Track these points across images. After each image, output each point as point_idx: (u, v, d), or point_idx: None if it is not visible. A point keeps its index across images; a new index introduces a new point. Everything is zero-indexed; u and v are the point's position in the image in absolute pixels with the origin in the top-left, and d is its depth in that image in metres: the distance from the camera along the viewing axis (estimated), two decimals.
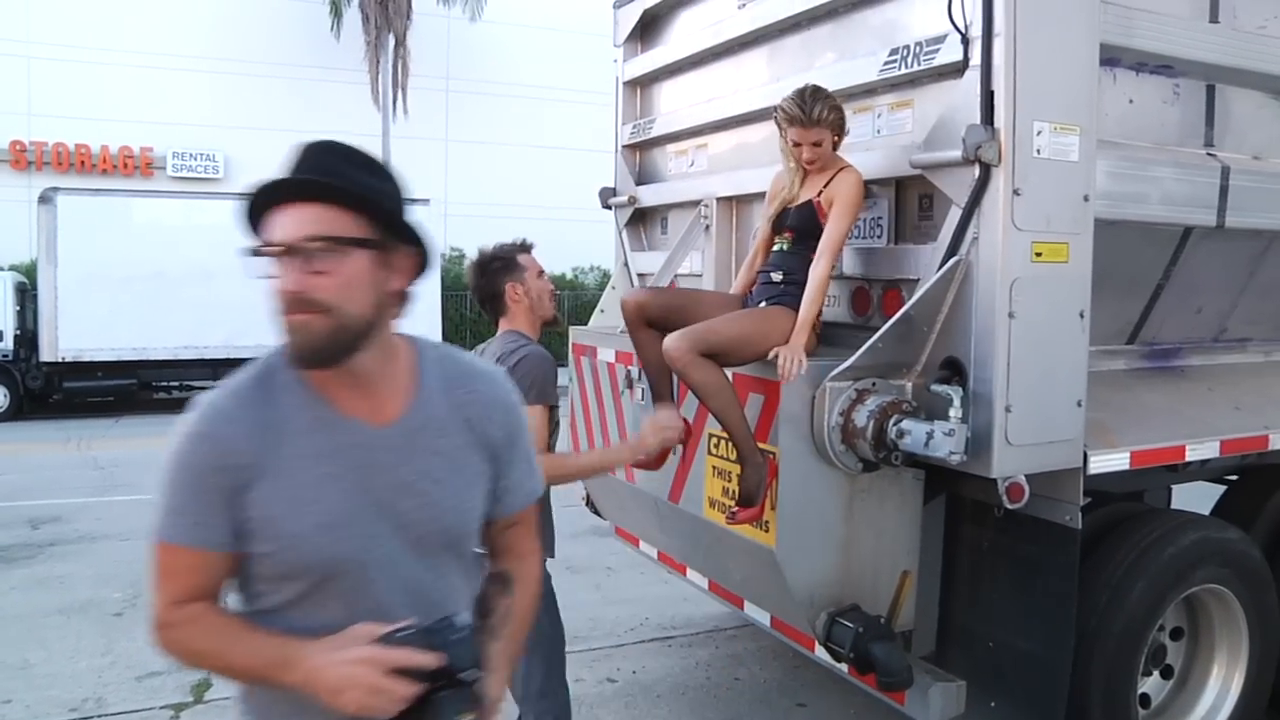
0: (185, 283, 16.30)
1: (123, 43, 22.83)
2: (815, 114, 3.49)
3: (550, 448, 3.46)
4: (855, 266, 3.83)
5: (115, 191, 19.13)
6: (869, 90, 3.79)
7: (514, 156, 25.58)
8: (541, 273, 3.74)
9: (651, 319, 3.67)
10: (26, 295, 17.03)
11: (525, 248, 3.73)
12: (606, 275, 23.94)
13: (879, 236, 3.80)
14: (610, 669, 5.20)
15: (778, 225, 3.68)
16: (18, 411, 16.44)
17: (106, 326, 16.22)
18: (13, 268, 18.86)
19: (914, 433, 3.15)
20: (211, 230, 16.71)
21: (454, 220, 23.29)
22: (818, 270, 3.47)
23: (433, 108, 25.04)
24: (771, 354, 3.31)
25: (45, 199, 16.47)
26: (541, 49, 25.43)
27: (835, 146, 3.60)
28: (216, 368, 16.07)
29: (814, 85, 3.57)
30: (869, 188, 3.73)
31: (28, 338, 16.64)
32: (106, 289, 16.23)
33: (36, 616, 6.11)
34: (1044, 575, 3.46)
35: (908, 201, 3.72)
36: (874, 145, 3.79)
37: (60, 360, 16.32)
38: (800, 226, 3.59)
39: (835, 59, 3.99)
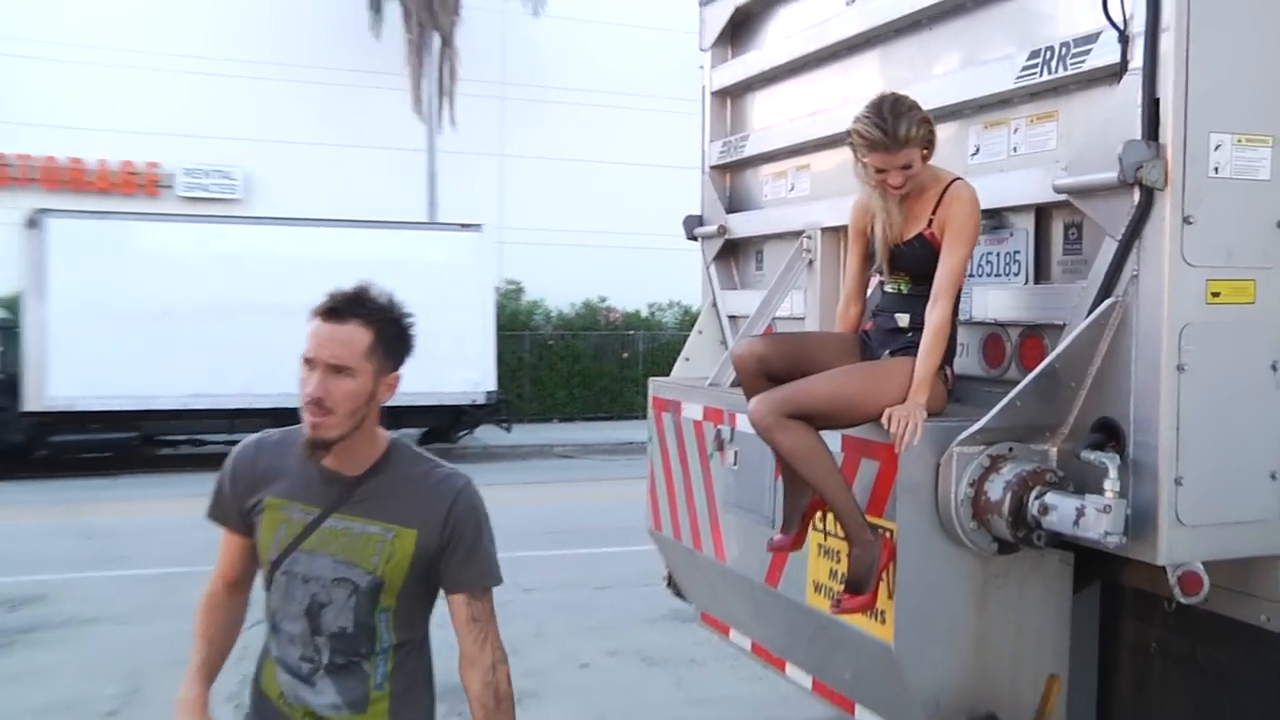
0: (197, 320, 16.66)
1: (123, 42, 23.48)
2: (901, 133, 3.43)
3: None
4: (987, 309, 3.84)
5: (115, 214, 19.47)
6: (1003, 101, 3.82)
7: (579, 174, 25.90)
8: None
9: (773, 372, 3.63)
10: (9, 334, 17.35)
11: None
12: (688, 312, 24.10)
13: (1016, 274, 3.81)
14: None
15: (891, 265, 3.67)
16: None
17: (104, 371, 16.52)
18: None
19: (1060, 508, 3.13)
20: (229, 260, 17.20)
21: (509, 248, 23.62)
22: (935, 315, 3.46)
23: (485, 118, 25.51)
24: (885, 416, 3.33)
25: (33, 222, 16.85)
26: (612, 48, 25.79)
27: (925, 160, 3.58)
28: (233, 419, 16.36)
29: (892, 95, 3.55)
30: (1004, 216, 3.75)
31: (8, 383, 16.82)
32: (104, 327, 16.54)
33: (11, 719, 6.28)
34: (1234, 688, 3.41)
35: (1051, 232, 3.73)
36: (1010, 166, 3.81)
37: (47, 410, 16.57)
38: (916, 267, 3.59)
39: (961, 64, 4.03)
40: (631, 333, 25.22)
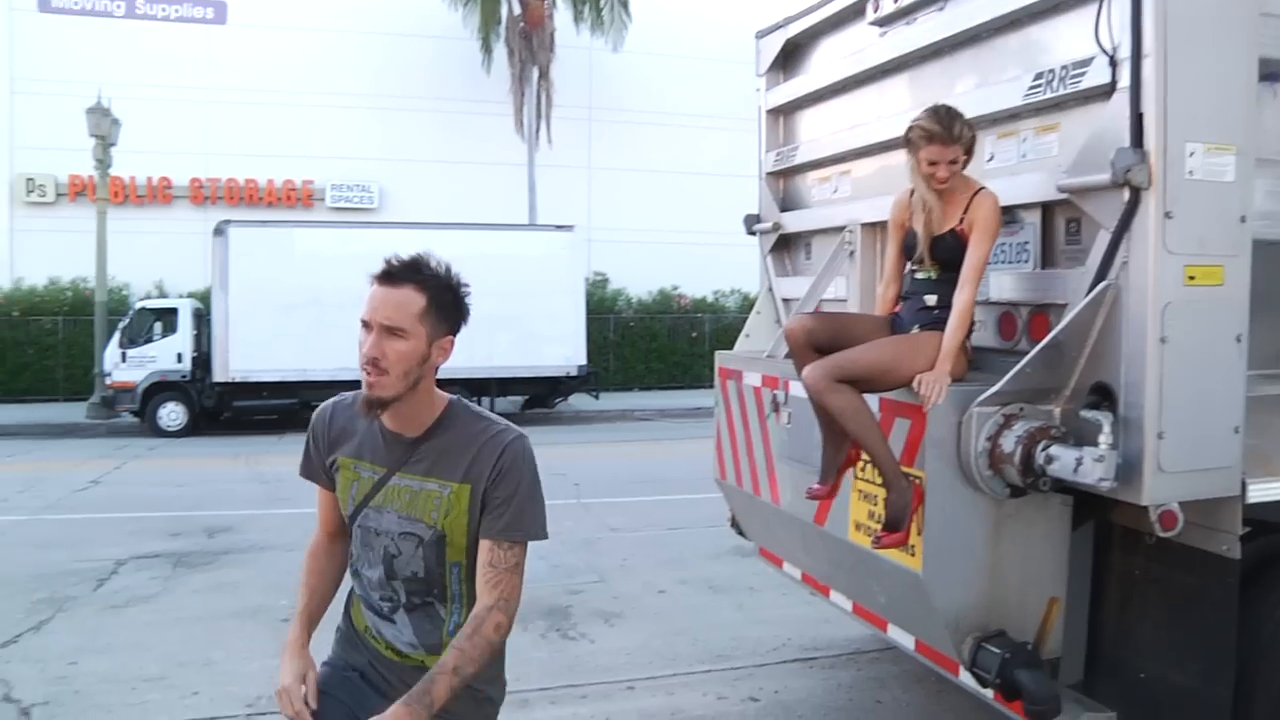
0: (342, 308, 16.82)
1: (288, 85, 24.03)
2: (955, 131, 3.46)
3: None
4: (1002, 291, 3.80)
5: (280, 223, 20.07)
6: (1013, 115, 3.77)
7: (655, 182, 25.87)
8: None
9: (819, 344, 3.65)
10: (202, 320, 18.02)
11: None
12: (747, 298, 24.01)
13: (1026, 261, 3.77)
14: (753, 688, 5.22)
15: (930, 256, 3.63)
16: (194, 428, 17.40)
17: (271, 349, 17.01)
18: (191, 295, 20.09)
19: (1063, 458, 3.11)
20: (366, 258, 16.78)
21: (597, 245, 23.69)
22: (962, 297, 3.46)
23: (576, 136, 25.55)
24: (916, 382, 3.32)
25: (219, 231, 17.48)
26: (680, 77, 25.69)
27: (965, 164, 3.57)
28: None
29: (945, 104, 3.55)
30: (1015, 212, 3.71)
31: (203, 359, 17.60)
32: (271, 314, 17.04)
33: (215, 619, 6.51)
34: (1201, 606, 3.36)
35: (1055, 226, 3.68)
36: (1019, 170, 3.77)
37: (231, 380, 17.21)
38: (946, 257, 3.56)
39: (977, 84, 3.98)
40: (699, 315, 25.13)
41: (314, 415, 2.55)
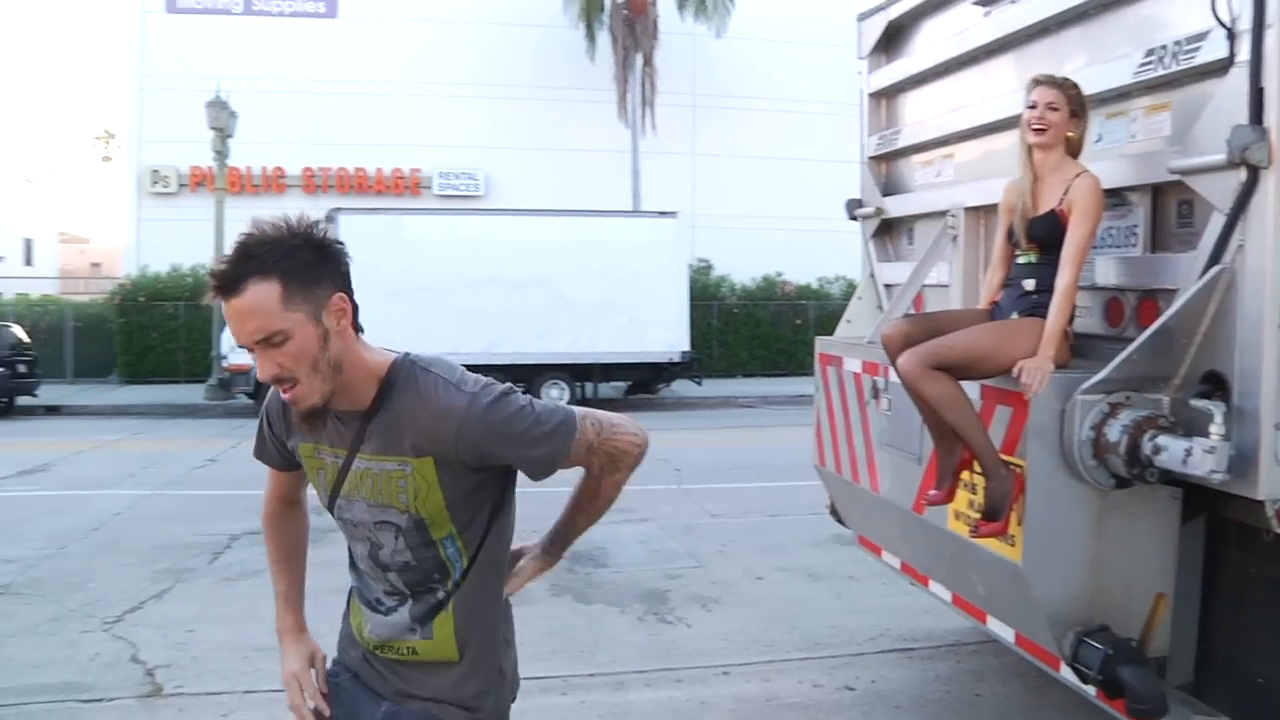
0: (449, 294, 17.22)
1: (396, 75, 24.62)
2: (1063, 79, 3.47)
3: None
4: (1109, 276, 3.69)
5: (389, 210, 20.48)
6: (1123, 94, 3.65)
7: (758, 169, 25.74)
8: None
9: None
10: None
11: None
12: (850, 285, 23.71)
13: (1134, 245, 3.65)
14: (849, 677, 5.18)
15: (1026, 236, 3.56)
16: None
17: (381, 332, 16.98)
18: None
19: (1171, 449, 3.00)
20: (473, 244, 17.73)
21: (701, 232, 23.65)
22: (1063, 280, 3.37)
23: (679, 123, 25.55)
24: (1016, 368, 3.25)
25: (330, 219, 17.79)
26: (784, 62, 25.49)
27: (1070, 145, 3.50)
28: (477, 373, 17.00)
29: None
30: (1123, 194, 3.59)
31: None
32: (381, 299, 17.29)
33: (321, 593, 6.62)
34: None
35: (1165, 208, 3.55)
36: (1129, 151, 3.64)
37: None
38: (1046, 237, 3.48)
39: (1086, 63, 3.85)
40: (803, 302, 24.92)
41: (267, 397, 2.19)
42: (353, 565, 2.25)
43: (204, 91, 19.82)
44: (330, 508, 2.15)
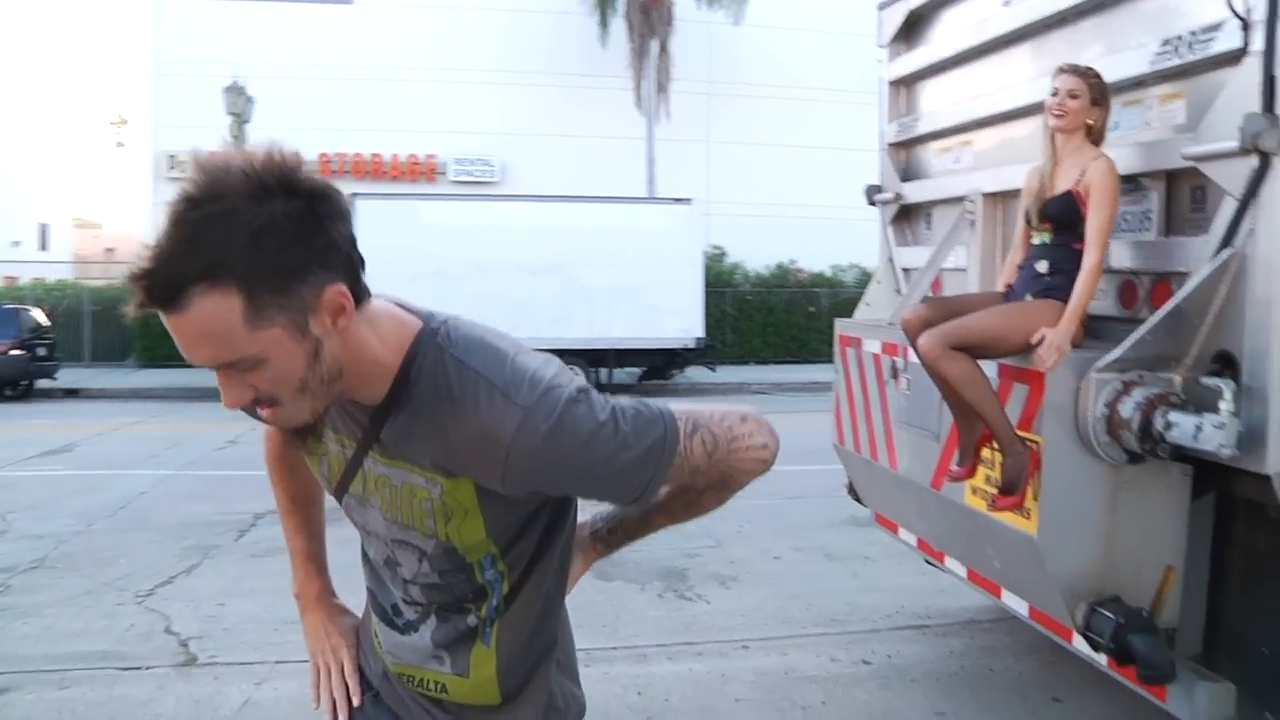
0: (465, 278, 17.29)
1: (412, 62, 24.75)
2: (1085, 69, 3.60)
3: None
4: (1123, 259, 3.81)
5: (405, 196, 20.69)
6: (1139, 83, 3.76)
7: (774, 156, 25.82)
8: None
9: None
10: None
11: None
12: (865, 272, 23.81)
13: (1148, 229, 3.76)
14: (866, 652, 5.32)
15: (1041, 216, 3.70)
16: None
17: None
18: None
19: (1182, 425, 3.12)
20: (488, 230, 17.87)
21: (715, 219, 23.72)
22: (1090, 260, 3.50)
23: (694, 110, 25.62)
24: (1036, 337, 3.38)
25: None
26: (800, 50, 25.53)
27: (1090, 132, 3.63)
28: None
29: None
30: (1138, 180, 3.71)
31: None
32: (399, 283, 17.25)
33: (346, 569, 6.73)
34: None
35: (1179, 194, 3.67)
36: (1144, 138, 3.76)
37: None
38: (1060, 216, 3.62)
39: (1103, 52, 3.96)
40: (817, 290, 24.99)
41: None
42: (365, 558, 1.80)
43: (221, 77, 19.97)
44: (337, 498, 1.68)
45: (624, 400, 1.48)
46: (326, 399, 1.41)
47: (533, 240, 17.66)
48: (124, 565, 6.98)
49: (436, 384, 1.43)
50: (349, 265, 1.36)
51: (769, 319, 24.81)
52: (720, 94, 26.31)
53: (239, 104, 19.68)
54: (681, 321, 18.65)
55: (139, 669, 5.14)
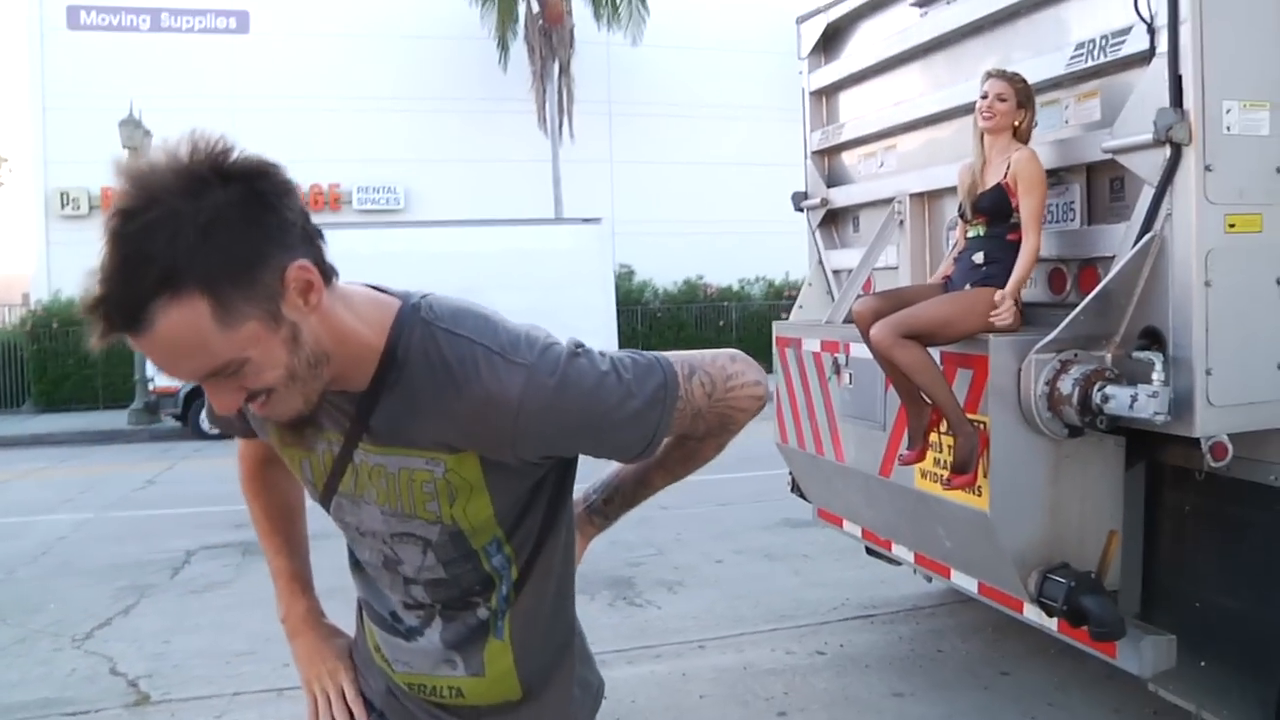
0: None
1: (311, 90, 24.43)
2: (1011, 74, 3.89)
3: None
4: (1050, 248, 4.06)
5: None
6: (1055, 84, 4.04)
7: (677, 173, 26.10)
8: None
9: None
10: None
11: None
12: (772, 285, 24.29)
13: (1072, 220, 4.04)
14: (818, 643, 5.51)
15: (974, 209, 3.95)
16: None
17: None
18: None
19: (1118, 396, 3.36)
20: (397, 258, 17.71)
21: (622, 238, 23.91)
22: (1029, 243, 3.79)
23: (597, 131, 25.78)
24: (998, 295, 3.69)
25: None
26: (699, 68, 25.91)
27: (1017, 132, 3.90)
28: None
29: None
30: (1060, 174, 3.98)
31: None
32: None
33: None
34: (1251, 535, 3.62)
35: (1099, 185, 3.95)
36: (1063, 135, 4.04)
37: None
38: (992, 209, 3.89)
39: (1020, 57, 4.23)
40: (725, 304, 25.36)
41: None
42: (355, 565, 1.71)
43: (113, 110, 19.50)
44: (324, 505, 1.61)
45: (618, 351, 1.53)
46: (318, 384, 1.36)
47: (443, 266, 17.54)
48: (54, 611, 6.80)
49: (429, 358, 1.40)
50: (307, 239, 1.31)
51: (680, 334, 25.04)
52: (622, 114, 26.57)
53: (135, 137, 19.23)
54: (596, 341, 18.25)
55: (88, 713, 5.04)
